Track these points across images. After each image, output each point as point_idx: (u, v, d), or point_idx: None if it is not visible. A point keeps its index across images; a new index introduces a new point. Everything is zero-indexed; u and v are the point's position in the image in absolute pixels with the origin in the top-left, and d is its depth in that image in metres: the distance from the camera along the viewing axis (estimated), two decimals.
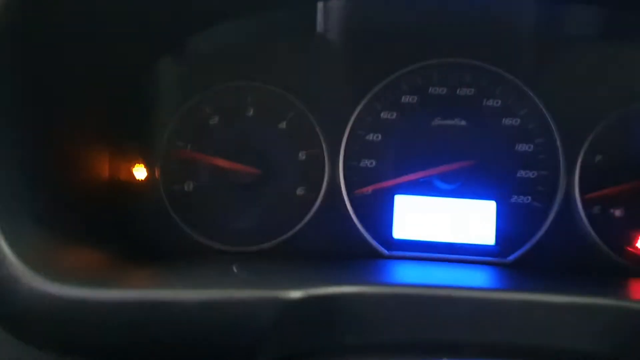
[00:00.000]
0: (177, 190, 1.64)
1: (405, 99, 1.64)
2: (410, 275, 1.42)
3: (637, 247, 1.55)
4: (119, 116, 1.56)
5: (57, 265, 1.14)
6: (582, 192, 1.58)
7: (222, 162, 1.61)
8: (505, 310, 1.06)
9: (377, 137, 1.64)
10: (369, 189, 1.63)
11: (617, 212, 1.57)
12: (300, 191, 1.62)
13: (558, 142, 1.58)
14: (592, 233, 1.55)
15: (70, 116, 1.36)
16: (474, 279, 1.39)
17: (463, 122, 1.62)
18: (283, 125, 1.64)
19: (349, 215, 1.60)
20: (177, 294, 1.08)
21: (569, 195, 1.56)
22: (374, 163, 1.63)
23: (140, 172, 1.62)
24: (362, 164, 1.64)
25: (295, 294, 1.05)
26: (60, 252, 1.21)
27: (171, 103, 1.64)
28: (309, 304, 1.05)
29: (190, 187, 1.64)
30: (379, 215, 1.62)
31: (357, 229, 1.59)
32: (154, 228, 1.60)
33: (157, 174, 1.62)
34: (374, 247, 1.59)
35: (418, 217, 1.61)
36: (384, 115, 1.64)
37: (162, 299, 1.07)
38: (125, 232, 1.55)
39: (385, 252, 1.58)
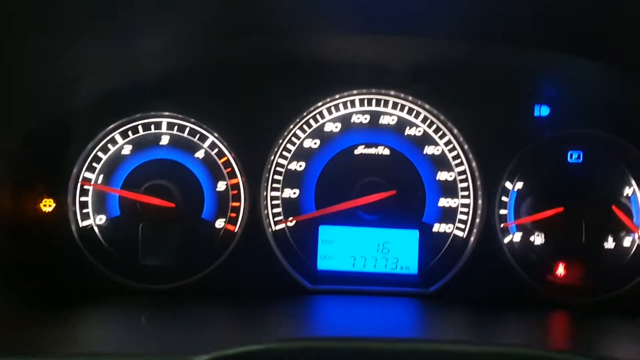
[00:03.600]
0: (87, 225, 1.54)
1: (329, 127, 1.60)
2: (331, 318, 1.38)
3: (557, 276, 1.56)
4: (23, 147, 1.45)
5: None
6: (502, 220, 1.58)
7: (134, 196, 1.53)
8: None
9: (301, 165, 1.59)
10: (292, 221, 1.58)
11: (537, 240, 1.59)
12: (219, 224, 1.56)
13: (477, 171, 1.58)
14: (512, 261, 1.56)
15: None
16: (394, 320, 1.37)
17: (386, 151, 1.60)
18: (200, 154, 1.57)
19: (271, 248, 1.54)
20: None
21: (489, 223, 1.57)
22: (297, 193, 1.59)
23: (47, 206, 1.52)
24: (284, 194, 1.59)
25: (201, 357, 0.99)
26: None
27: (81, 133, 1.54)
28: None
29: (101, 222, 1.55)
30: (303, 247, 1.58)
31: (280, 263, 1.54)
32: (62, 266, 1.50)
33: (65, 208, 1.52)
34: (297, 281, 1.54)
35: (342, 247, 1.58)
36: (307, 143, 1.60)
37: None
38: (31, 272, 1.45)
39: (309, 286, 1.54)
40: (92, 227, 1.54)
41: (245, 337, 1.05)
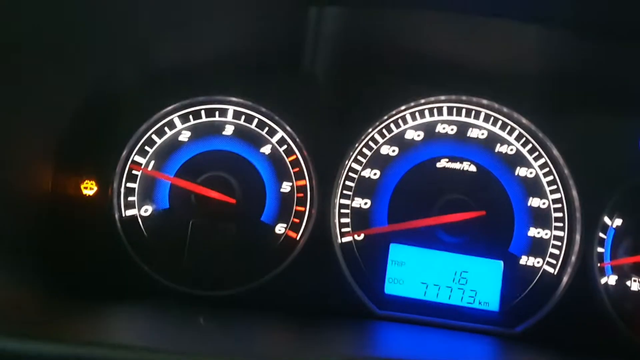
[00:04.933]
0: (131, 215, 1.36)
1: (410, 134, 1.43)
2: (402, 348, 1.18)
3: None
4: (69, 120, 1.29)
5: None
6: (599, 259, 1.39)
7: (190, 186, 1.35)
8: None
9: (375, 174, 1.41)
10: (360, 234, 1.39)
11: (635, 286, 1.39)
12: (279, 229, 1.37)
13: (577, 200, 1.39)
14: (609, 307, 1.36)
15: None
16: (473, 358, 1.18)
17: (472, 168, 1.42)
18: (266, 149, 1.40)
19: (338, 262, 1.35)
20: (131, 355, 0.81)
21: (585, 261, 1.37)
22: (368, 204, 1.41)
23: (88, 189, 1.34)
24: (355, 204, 1.40)
25: None
26: None
27: (135, 112, 1.37)
28: None
29: (147, 213, 1.37)
30: (370, 265, 1.38)
31: (346, 280, 1.35)
32: (101, 257, 1.32)
33: (110, 192, 1.34)
34: (364, 304, 1.35)
35: (414, 271, 1.38)
36: (384, 150, 1.42)
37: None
38: (68, 262, 1.27)
39: (377, 311, 1.34)
40: (136, 217, 1.36)
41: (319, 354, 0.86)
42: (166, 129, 1.39)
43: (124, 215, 1.36)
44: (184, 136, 1.39)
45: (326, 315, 1.27)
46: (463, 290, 1.38)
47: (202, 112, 1.40)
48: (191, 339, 0.99)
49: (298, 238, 1.36)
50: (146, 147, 1.38)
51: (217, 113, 1.40)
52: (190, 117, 1.39)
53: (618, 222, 1.42)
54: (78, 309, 1.09)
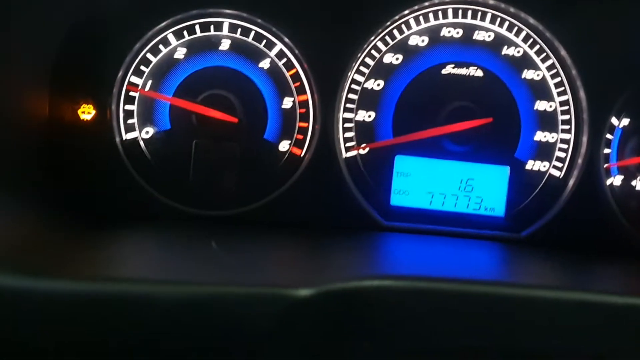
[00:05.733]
0: (132, 138, 1.34)
1: (414, 40, 1.38)
2: (416, 259, 1.21)
3: None
4: (62, 43, 1.25)
5: None
6: (605, 160, 1.39)
7: (191, 106, 1.32)
8: (529, 309, 0.87)
9: (379, 84, 1.38)
10: (365, 147, 1.38)
11: None
12: (283, 146, 1.36)
13: (584, 102, 1.36)
14: (615, 207, 1.37)
15: None
16: (481, 264, 1.20)
17: (479, 73, 1.38)
18: (265, 64, 1.35)
19: (343, 177, 1.35)
20: (147, 289, 0.82)
21: (592, 163, 1.37)
22: (372, 116, 1.38)
23: (86, 113, 1.31)
24: (358, 117, 1.38)
25: (305, 291, 0.82)
26: None
27: (129, 30, 1.32)
28: (322, 302, 0.82)
29: (148, 135, 1.35)
30: (375, 178, 1.38)
31: (352, 194, 1.35)
32: (104, 183, 1.31)
33: (108, 116, 1.32)
34: (370, 216, 1.35)
35: (419, 182, 1.38)
36: (387, 58, 1.38)
37: (127, 293, 0.82)
38: (71, 190, 1.27)
39: (383, 222, 1.36)
40: (137, 140, 1.34)
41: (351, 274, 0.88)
42: (161, 46, 1.34)
43: (124, 138, 1.34)
44: (180, 53, 1.34)
45: (333, 231, 1.28)
46: (469, 197, 1.39)
47: (197, 27, 1.34)
48: (199, 268, 0.99)
49: (302, 155, 1.35)
50: (142, 67, 1.33)
51: (212, 27, 1.34)
52: (185, 32, 1.34)
53: (625, 121, 1.40)
54: (85, 240, 1.09)
